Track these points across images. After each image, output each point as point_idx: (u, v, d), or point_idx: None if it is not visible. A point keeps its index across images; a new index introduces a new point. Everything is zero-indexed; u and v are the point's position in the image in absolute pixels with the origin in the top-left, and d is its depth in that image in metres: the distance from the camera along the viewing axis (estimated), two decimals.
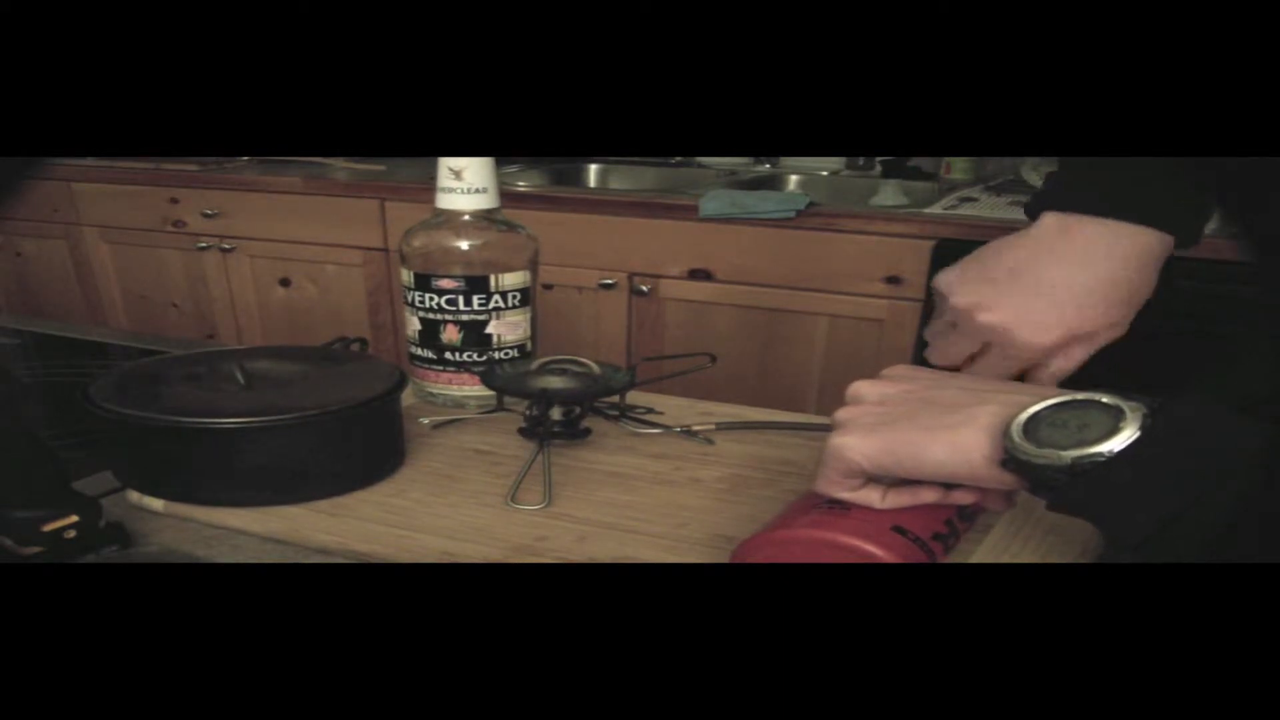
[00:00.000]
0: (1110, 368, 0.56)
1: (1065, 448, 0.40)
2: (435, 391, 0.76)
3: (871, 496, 0.47)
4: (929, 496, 0.47)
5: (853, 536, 0.45)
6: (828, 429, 0.48)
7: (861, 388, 0.49)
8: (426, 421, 0.72)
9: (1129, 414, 0.39)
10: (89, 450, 0.63)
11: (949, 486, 0.47)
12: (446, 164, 0.71)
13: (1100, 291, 0.54)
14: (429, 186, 0.73)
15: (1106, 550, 0.51)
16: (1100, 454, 0.39)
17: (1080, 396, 0.42)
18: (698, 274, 1.64)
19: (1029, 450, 0.40)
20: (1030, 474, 0.41)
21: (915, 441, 0.44)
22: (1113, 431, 0.39)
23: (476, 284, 0.72)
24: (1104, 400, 0.41)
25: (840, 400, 0.49)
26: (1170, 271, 0.56)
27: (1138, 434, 0.39)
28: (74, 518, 0.51)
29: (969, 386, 0.46)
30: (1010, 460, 0.41)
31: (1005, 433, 0.42)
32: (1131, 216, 0.54)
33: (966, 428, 0.43)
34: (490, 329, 0.73)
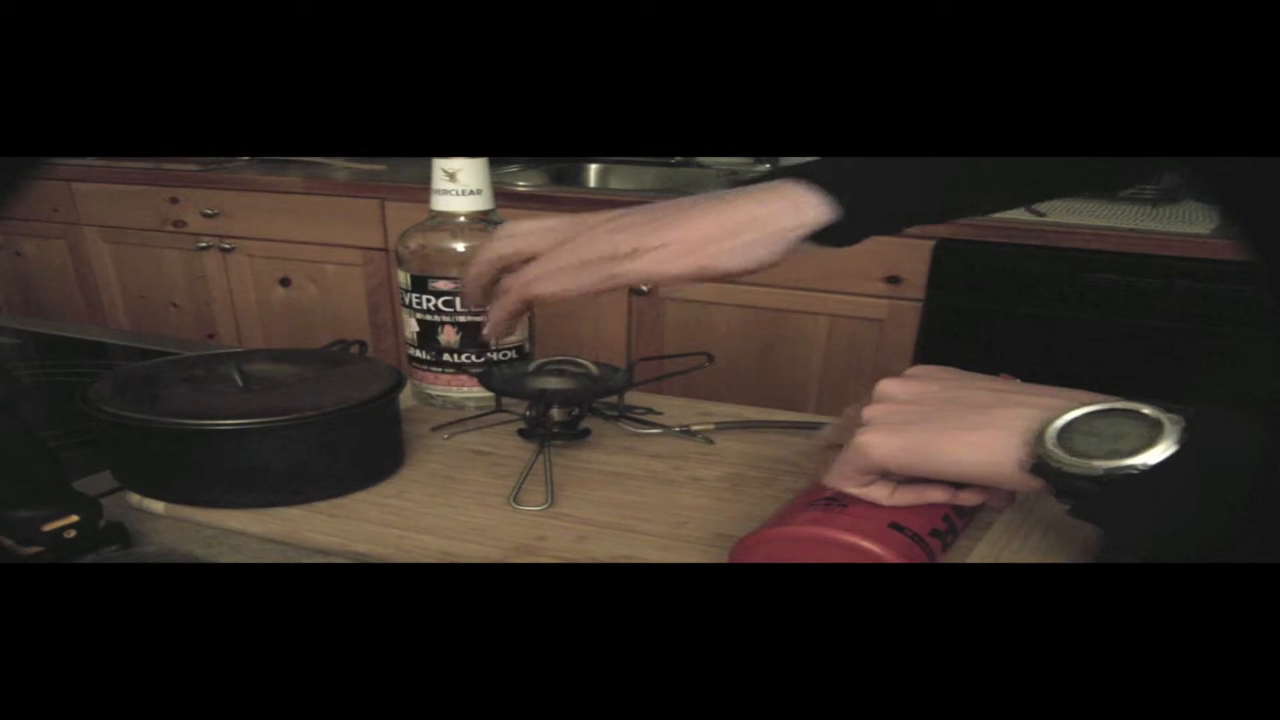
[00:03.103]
0: (1110, 366, 0.56)
1: (1097, 457, 0.39)
2: (434, 393, 0.76)
3: (879, 493, 0.47)
4: (936, 496, 0.47)
5: (850, 533, 0.45)
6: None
7: (890, 386, 0.48)
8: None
9: (1168, 427, 0.39)
10: (89, 450, 0.63)
11: (958, 486, 0.47)
12: (441, 166, 0.71)
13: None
14: (429, 186, 0.73)
15: (1106, 550, 0.51)
16: (1134, 466, 0.38)
17: (1118, 405, 0.41)
18: None
19: (1061, 458, 0.40)
20: (1059, 481, 0.40)
21: (940, 442, 0.44)
22: (1149, 444, 0.39)
23: None
24: (1144, 411, 0.40)
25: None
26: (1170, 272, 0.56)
27: (1175, 448, 0.38)
28: (74, 518, 0.51)
29: (995, 387, 0.46)
30: (1040, 466, 0.41)
31: (1039, 438, 0.41)
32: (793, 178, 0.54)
33: (993, 429, 0.43)
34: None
